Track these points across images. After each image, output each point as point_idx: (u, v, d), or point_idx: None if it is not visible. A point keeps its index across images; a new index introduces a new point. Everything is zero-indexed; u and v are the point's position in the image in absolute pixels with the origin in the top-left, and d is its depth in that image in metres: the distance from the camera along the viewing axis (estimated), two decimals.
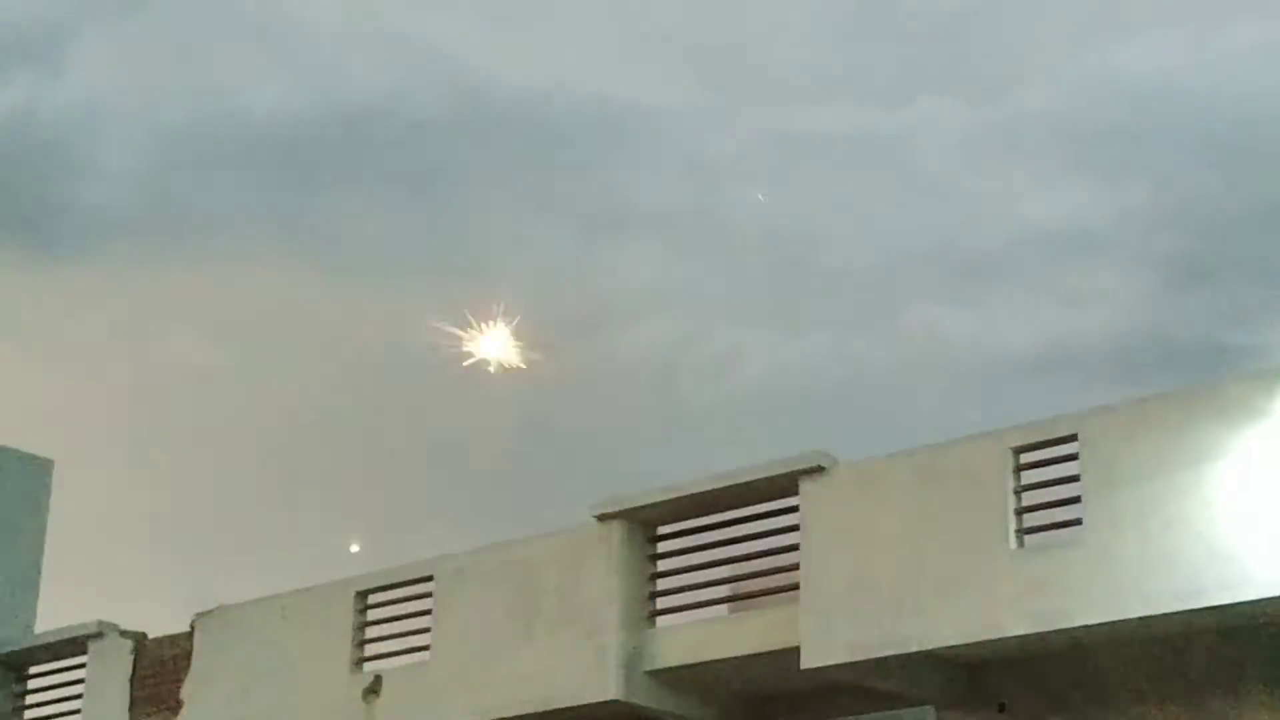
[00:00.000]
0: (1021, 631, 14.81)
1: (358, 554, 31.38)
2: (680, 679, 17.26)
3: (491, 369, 23.05)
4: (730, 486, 17.14)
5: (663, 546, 17.87)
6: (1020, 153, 48.53)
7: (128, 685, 21.01)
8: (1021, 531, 15.13)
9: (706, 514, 17.55)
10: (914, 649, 15.36)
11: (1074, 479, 14.96)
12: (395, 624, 19.43)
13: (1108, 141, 47.63)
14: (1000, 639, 14.97)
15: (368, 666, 19.20)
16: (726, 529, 17.49)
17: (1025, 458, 15.31)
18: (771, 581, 17.05)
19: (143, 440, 46.11)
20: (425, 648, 18.77)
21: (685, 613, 17.63)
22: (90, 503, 33.98)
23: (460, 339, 23.03)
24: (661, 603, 17.68)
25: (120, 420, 45.86)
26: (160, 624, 21.30)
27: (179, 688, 20.43)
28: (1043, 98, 48.35)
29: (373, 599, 19.54)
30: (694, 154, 48.90)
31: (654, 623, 17.53)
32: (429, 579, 18.95)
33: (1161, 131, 46.42)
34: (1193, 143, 46.07)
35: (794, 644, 15.97)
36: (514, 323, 23.20)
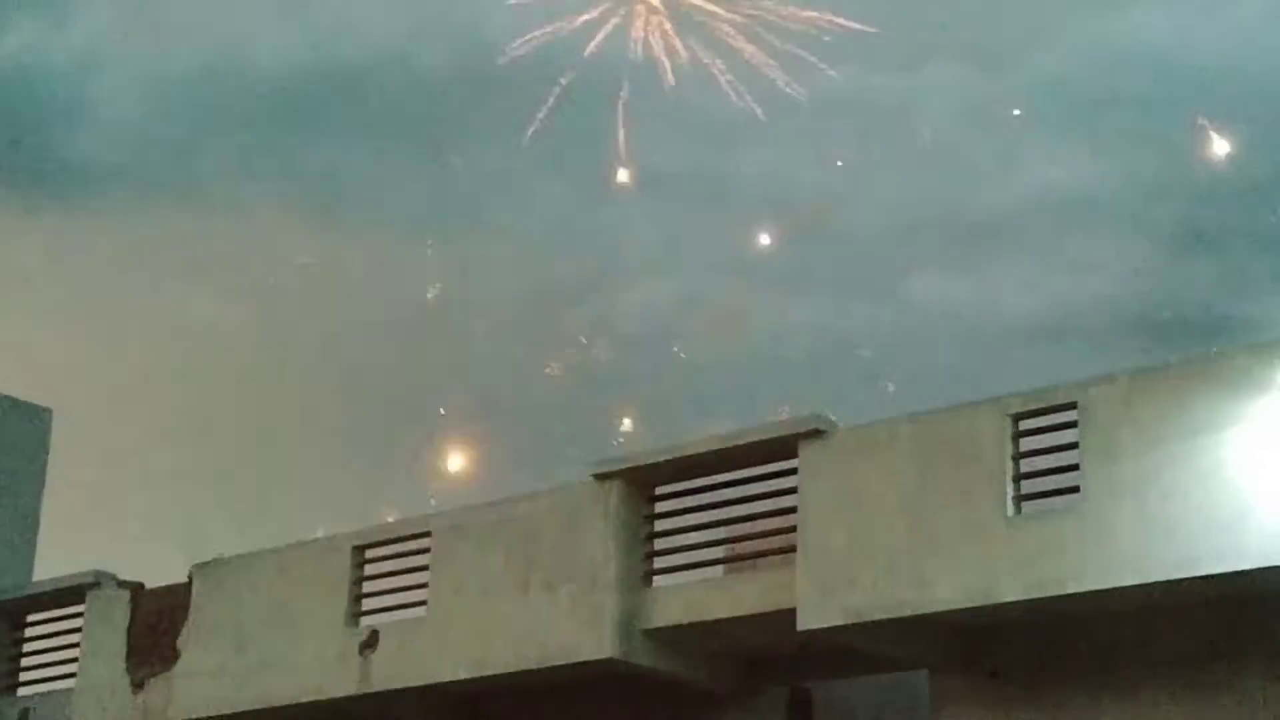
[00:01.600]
0: (1017, 598, 14.83)
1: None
2: (676, 639, 17.29)
3: None
4: (729, 448, 17.15)
5: (660, 507, 17.89)
6: (1026, 120, 48.44)
7: (125, 635, 21.05)
8: (1019, 498, 15.14)
9: (704, 475, 17.57)
10: (909, 613, 15.39)
11: (1072, 447, 14.98)
12: (392, 579, 19.47)
13: (1113, 109, 47.56)
14: (996, 605, 15.00)
15: (364, 621, 19.23)
16: (724, 490, 17.51)
17: (1024, 424, 15.32)
18: (769, 544, 17.09)
19: (143, 390, 46.14)
20: (422, 603, 18.80)
21: (682, 573, 17.68)
22: (89, 452, 34.01)
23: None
24: (658, 563, 17.71)
25: (121, 369, 45.87)
26: (158, 574, 21.35)
27: (176, 638, 20.48)
28: (1049, 65, 48.27)
29: (370, 554, 19.56)
30: (698, 116, 48.80)
31: (650, 582, 17.56)
32: (426, 534, 18.97)
33: (1167, 100, 46.31)
34: (1198, 112, 45.95)
35: (790, 606, 16.00)
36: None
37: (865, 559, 15.66)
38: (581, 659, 17.29)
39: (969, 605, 15.10)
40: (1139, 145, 47.29)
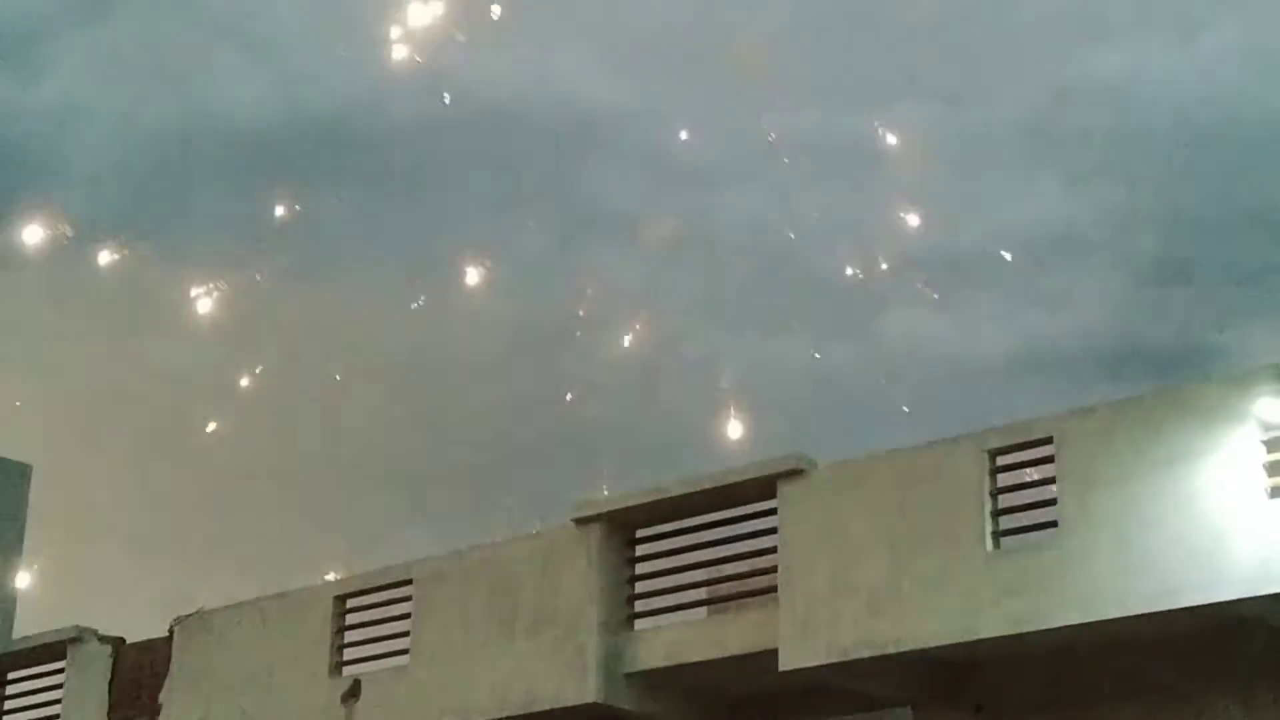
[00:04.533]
0: (999, 633, 14.87)
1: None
2: (660, 681, 17.29)
3: None
4: (709, 489, 17.18)
5: (641, 549, 17.90)
6: (998, 155, 48.63)
7: (106, 690, 21.00)
8: (998, 534, 15.19)
9: (685, 517, 17.59)
10: (891, 650, 15.41)
11: (1051, 481, 15.04)
12: (374, 628, 19.44)
13: (1085, 144, 47.75)
14: (978, 640, 15.03)
15: (347, 671, 19.20)
16: (705, 531, 17.53)
17: (1002, 460, 15.38)
18: (750, 584, 17.11)
19: (122, 444, 46.03)
20: (405, 651, 18.78)
21: (664, 615, 17.67)
22: (69, 507, 33.93)
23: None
24: (640, 605, 17.72)
25: (99, 424, 45.78)
26: (139, 629, 21.30)
27: (158, 692, 20.44)
28: (1021, 101, 48.46)
29: (351, 603, 19.54)
30: (672, 156, 48.91)
31: (633, 625, 17.56)
32: (408, 582, 18.96)
33: (1138, 135, 46.55)
34: (1169, 146, 46.20)
35: (773, 646, 16.02)
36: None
37: (846, 597, 15.69)
38: (565, 703, 17.28)
39: (951, 641, 15.14)
40: (1110, 180, 47.50)
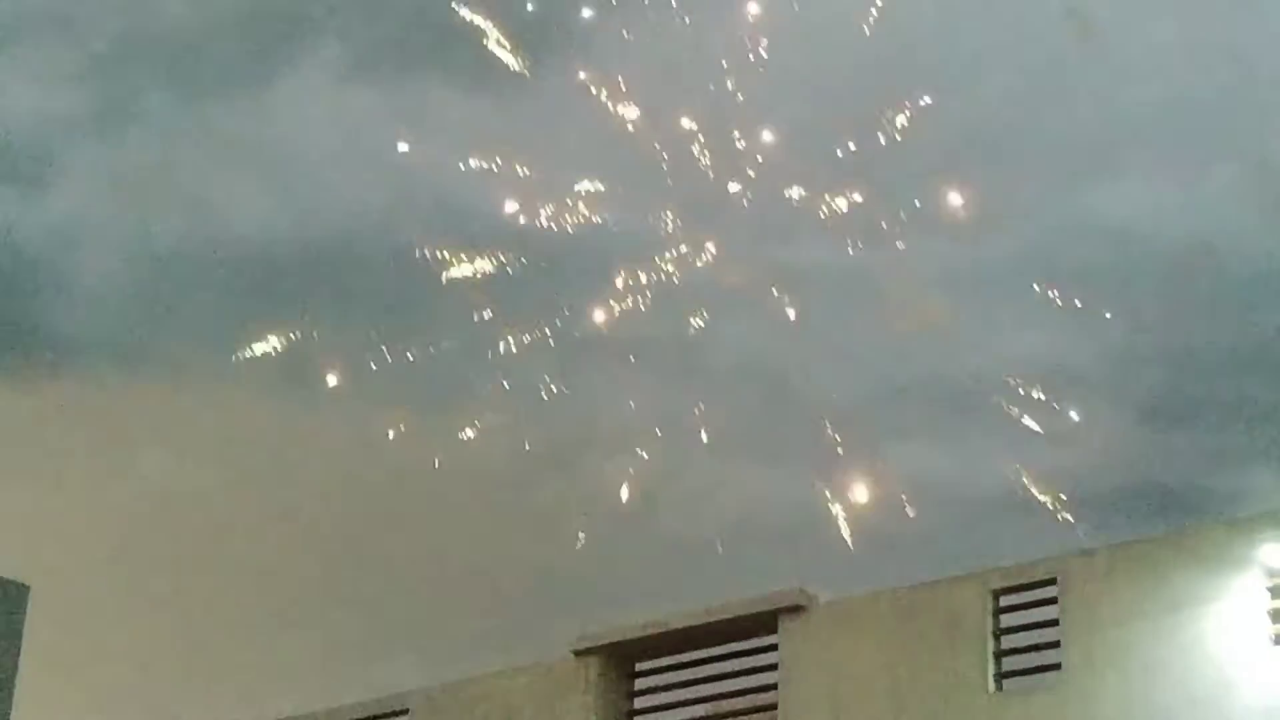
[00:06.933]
0: None
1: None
2: None
3: None
4: (710, 623, 17.09)
5: (640, 683, 17.77)
6: (1001, 290, 48.75)
7: None
8: (1001, 675, 15.10)
9: (685, 650, 17.48)
10: None
11: (1054, 623, 14.96)
12: None
13: (1087, 281, 47.76)
14: None
15: None
16: (705, 665, 17.41)
17: (1005, 600, 15.32)
18: (750, 719, 16.98)
19: (120, 560, 45.88)
20: None
21: None
22: (66, 626, 33.76)
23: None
24: None
25: (99, 543, 45.66)
26: None
27: None
28: (1024, 236, 48.63)
29: None
30: (673, 282, 49.03)
31: None
32: (404, 712, 18.81)
33: (1141, 272, 46.69)
34: (1172, 284, 46.33)
35: None
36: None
37: None
38: None
39: None
40: (1113, 317, 47.54)
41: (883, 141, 26.72)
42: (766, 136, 27.35)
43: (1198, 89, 44.97)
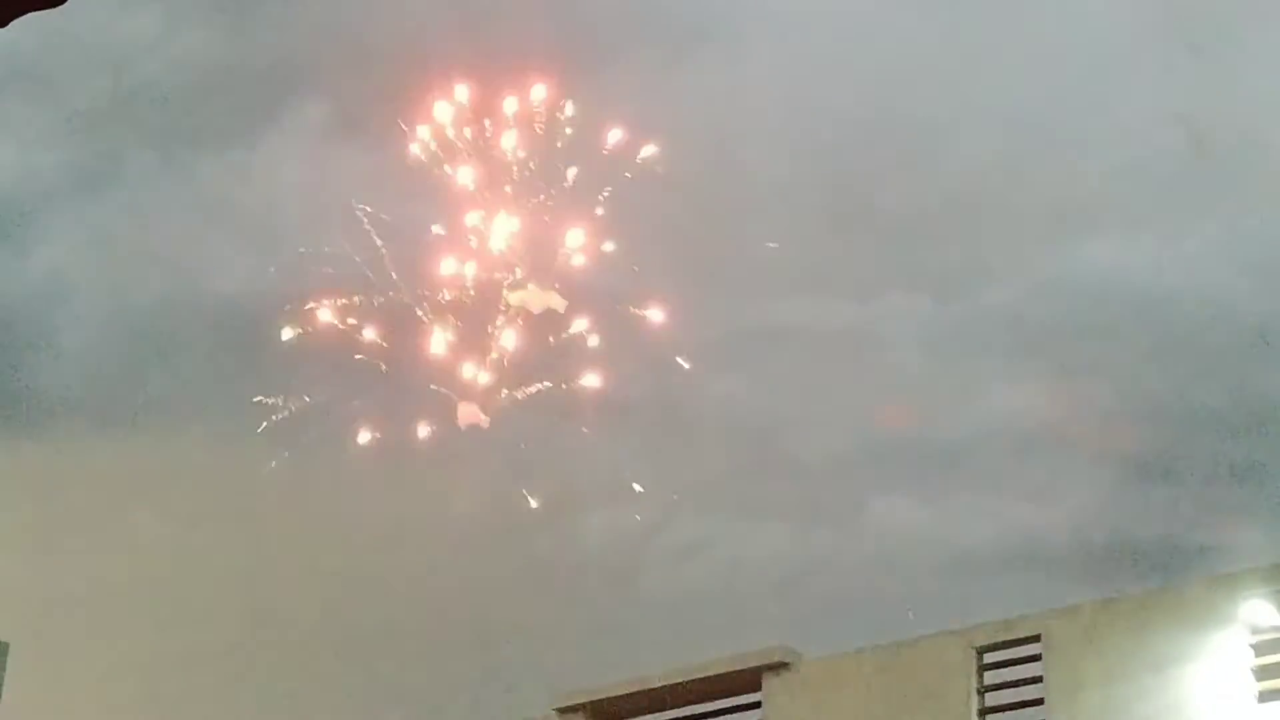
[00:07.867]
0: None
1: None
2: None
3: None
4: (693, 680, 17.04)
5: None
6: (983, 348, 48.85)
7: None
8: None
9: (669, 708, 17.43)
10: None
11: (1037, 680, 14.94)
12: None
13: (1069, 339, 47.95)
14: None
15: None
16: None
17: (989, 657, 15.30)
18: None
19: (100, 619, 45.68)
20: None
21: None
22: (47, 686, 33.57)
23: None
24: None
25: (78, 598, 45.45)
26: None
27: None
28: (1006, 295, 48.76)
29: None
30: (658, 341, 49.03)
31: None
32: None
33: (1122, 330, 46.79)
34: (1153, 342, 46.43)
35: None
36: None
37: None
38: None
39: None
40: (1094, 375, 47.65)
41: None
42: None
43: (1172, 150, 45.17)
